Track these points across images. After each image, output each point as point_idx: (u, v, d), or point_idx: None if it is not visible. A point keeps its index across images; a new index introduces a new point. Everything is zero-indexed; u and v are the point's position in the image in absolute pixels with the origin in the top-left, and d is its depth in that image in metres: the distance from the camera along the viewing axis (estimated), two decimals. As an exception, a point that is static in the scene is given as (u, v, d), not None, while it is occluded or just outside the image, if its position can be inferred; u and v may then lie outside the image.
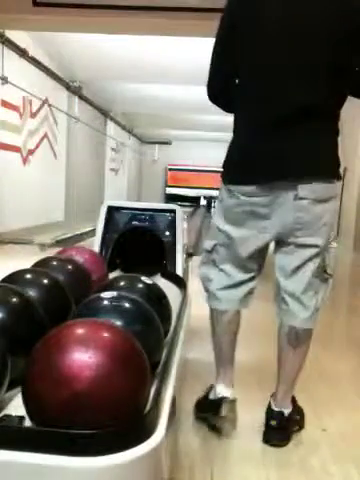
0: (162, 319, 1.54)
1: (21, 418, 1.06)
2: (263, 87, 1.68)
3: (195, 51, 6.71)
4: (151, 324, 1.45)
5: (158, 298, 1.72)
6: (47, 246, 6.45)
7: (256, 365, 2.39)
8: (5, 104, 7.61)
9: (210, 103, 1.90)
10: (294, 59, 1.63)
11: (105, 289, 1.63)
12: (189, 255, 3.21)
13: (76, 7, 4.98)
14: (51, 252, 3.02)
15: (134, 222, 2.88)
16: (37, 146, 9.16)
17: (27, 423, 1.05)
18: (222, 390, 1.82)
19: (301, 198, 1.64)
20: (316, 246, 1.68)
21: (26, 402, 1.05)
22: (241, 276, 1.81)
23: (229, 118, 1.84)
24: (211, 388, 1.90)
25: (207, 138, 17.97)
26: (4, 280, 1.63)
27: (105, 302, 1.43)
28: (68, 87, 10.61)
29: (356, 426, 1.97)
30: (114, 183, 16.22)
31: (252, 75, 1.71)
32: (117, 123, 15.51)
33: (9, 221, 7.68)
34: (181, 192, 21.57)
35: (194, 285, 2.63)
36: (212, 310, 1.90)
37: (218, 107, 1.90)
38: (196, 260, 3.33)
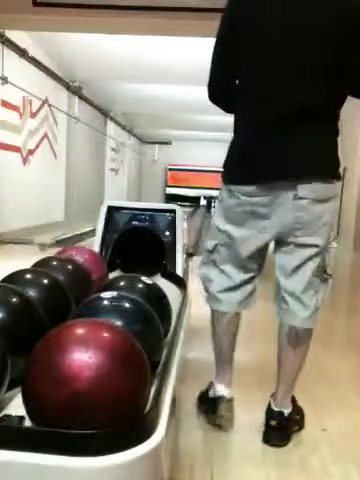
0: (162, 319, 1.54)
1: (21, 418, 1.06)
2: (263, 87, 1.68)
3: (195, 51, 6.72)
4: (151, 324, 1.45)
5: (158, 298, 1.72)
6: (47, 246, 6.45)
7: (256, 365, 2.39)
8: (5, 104, 7.61)
9: (210, 103, 1.90)
10: (294, 59, 1.63)
11: (105, 289, 1.63)
12: (189, 255, 3.21)
13: (76, 7, 4.98)
14: (51, 252, 3.02)
15: (134, 222, 2.87)
16: (37, 146, 9.16)
17: (27, 423, 1.05)
18: (220, 389, 1.85)
19: (301, 198, 1.64)
20: (316, 246, 1.68)
21: (26, 402, 1.05)
22: (241, 276, 1.82)
23: (229, 118, 1.84)
24: (211, 385, 1.91)
25: (207, 138, 17.98)
26: (4, 280, 1.63)
27: (105, 302, 1.43)
28: (68, 87, 10.61)
29: (356, 426, 1.97)
30: (114, 183, 16.22)
31: (252, 75, 1.71)
32: (117, 123, 15.51)
33: (9, 221, 7.68)
34: (181, 192, 21.57)
35: (194, 285, 2.63)
36: (213, 311, 1.92)
37: (219, 108, 1.90)
38: (196, 260, 3.33)
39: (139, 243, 2.84)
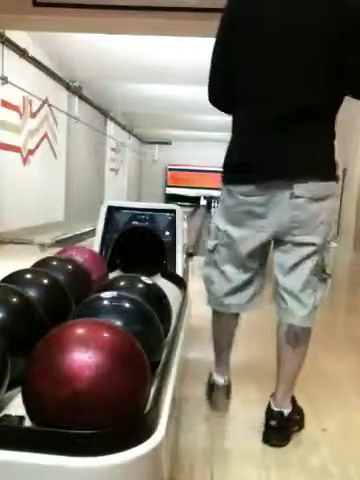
0: (162, 319, 1.54)
1: (21, 418, 1.06)
2: (262, 87, 1.69)
3: (195, 51, 6.72)
4: (151, 324, 1.45)
5: (158, 298, 1.72)
6: (47, 246, 6.45)
7: (256, 365, 2.40)
8: (5, 104, 7.61)
9: (210, 103, 1.91)
10: (293, 59, 1.64)
11: (105, 289, 1.63)
12: (189, 255, 3.21)
13: (76, 7, 4.98)
14: (51, 252, 3.02)
15: (134, 222, 2.87)
16: (37, 146, 9.16)
17: (27, 423, 1.05)
18: (216, 378, 2.01)
19: (297, 197, 1.65)
20: (313, 244, 1.69)
21: (26, 402, 1.05)
22: (241, 276, 1.83)
23: (229, 118, 1.84)
24: (210, 375, 2.05)
25: (207, 138, 17.98)
26: (4, 280, 1.63)
27: (105, 302, 1.43)
28: (68, 87, 10.62)
29: (356, 426, 1.97)
30: (114, 183, 16.22)
31: (251, 75, 1.71)
32: (117, 123, 15.51)
33: (9, 221, 7.68)
34: (181, 192, 21.58)
35: (194, 285, 2.64)
36: (213, 310, 1.96)
37: (219, 110, 1.90)
38: (196, 260, 3.33)
39: (139, 243, 2.84)
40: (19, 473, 0.93)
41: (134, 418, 1.02)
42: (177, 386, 1.42)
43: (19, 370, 1.10)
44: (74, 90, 10.87)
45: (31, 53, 8.07)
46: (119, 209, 2.90)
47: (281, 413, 1.75)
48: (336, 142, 1.71)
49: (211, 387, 2.01)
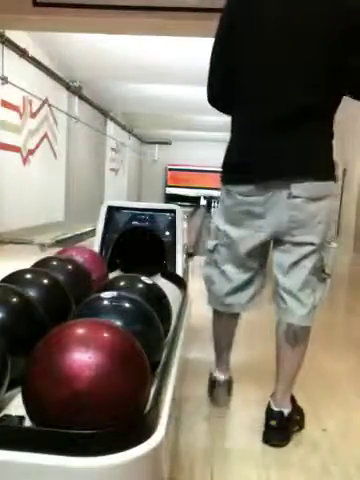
0: (162, 319, 1.54)
1: (21, 418, 1.05)
2: (262, 87, 1.69)
3: (195, 51, 6.71)
4: (151, 324, 1.45)
5: (158, 298, 1.72)
6: (47, 246, 6.45)
7: (256, 365, 2.40)
8: (5, 104, 7.61)
9: (210, 103, 1.91)
10: (293, 59, 1.64)
11: (105, 289, 1.63)
12: (189, 255, 3.21)
13: (76, 7, 4.98)
14: (51, 252, 3.02)
15: (134, 222, 2.87)
16: (37, 146, 9.16)
17: (27, 423, 1.05)
18: (217, 375, 2.03)
19: (295, 197, 1.65)
20: (312, 244, 1.69)
21: (26, 402, 1.05)
22: (241, 276, 1.83)
23: (229, 118, 1.85)
24: (211, 372, 2.08)
25: (207, 138, 17.98)
26: (4, 280, 1.63)
27: (105, 302, 1.43)
28: (68, 87, 10.62)
29: (356, 426, 1.97)
30: (114, 183, 16.22)
31: (251, 75, 1.71)
32: (117, 123, 15.51)
33: (9, 221, 7.68)
34: (181, 192, 21.58)
35: (194, 285, 2.64)
36: (214, 310, 1.97)
37: (218, 110, 1.91)
38: (196, 260, 3.34)
39: (139, 243, 2.84)
40: (19, 473, 0.93)
41: (134, 418, 1.02)
42: (177, 386, 1.42)
43: (19, 370, 1.09)
44: (74, 90, 10.87)
45: (31, 53, 8.07)
46: (119, 209, 2.89)
47: (281, 413, 1.75)
48: (335, 142, 1.71)
49: (212, 383, 2.04)
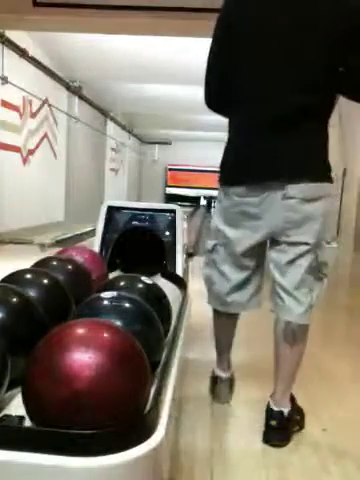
0: (162, 319, 1.54)
1: (21, 418, 1.05)
2: (259, 87, 1.70)
3: (195, 51, 6.71)
4: (151, 324, 1.45)
5: (158, 298, 1.72)
6: (47, 246, 6.45)
7: (256, 365, 2.40)
8: (5, 104, 7.61)
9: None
10: (290, 59, 1.65)
11: (105, 289, 1.63)
12: (189, 255, 3.21)
13: (76, 7, 4.98)
14: (51, 252, 3.02)
15: (134, 222, 2.87)
16: (37, 146, 9.16)
17: (27, 423, 1.05)
18: (218, 372, 2.05)
19: (289, 197, 1.66)
20: (306, 244, 1.70)
21: (26, 401, 1.05)
22: (239, 275, 1.85)
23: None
24: (213, 370, 2.08)
25: (207, 138, 17.98)
26: (4, 280, 1.63)
27: (105, 302, 1.43)
28: (68, 87, 10.62)
29: (356, 426, 1.97)
30: (114, 183, 16.22)
31: (248, 75, 1.72)
32: (117, 123, 15.51)
33: (9, 221, 7.68)
34: (181, 192, 21.58)
35: (194, 285, 2.64)
36: (214, 310, 1.98)
37: (214, 111, 1.91)
38: (196, 260, 3.34)
39: (139, 243, 2.84)
40: (19, 473, 0.92)
41: (134, 418, 1.02)
42: (177, 386, 1.42)
43: (19, 370, 1.09)
44: (74, 90, 10.87)
45: (31, 53, 8.08)
46: (119, 209, 2.90)
47: (281, 413, 1.75)
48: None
49: (214, 380, 2.06)
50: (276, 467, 1.63)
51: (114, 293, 1.50)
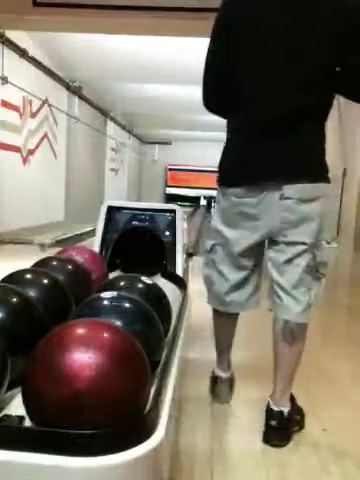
0: (162, 319, 1.54)
1: (21, 418, 1.05)
2: (257, 87, 1.70)
3: (195, 51, 6.71)
4: (151, 324, 1.45)
5: (158, 298, 1.73)
6: (47, 246, 6.45)
7: (256, 365, 2.40)
8: (5, 104, 7.61)
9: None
10: (289, 60, 1.65)
11: (105, 289, 1.63)
12: (189, 255, 3.21)
13: (76, 7, 4.98)
14: (51, 252, 3.02)
15: (134, 222, 2.87)
16: (37, 146, 9.16)
17: (27, 423, 1.05)
18: (218, 372, 2.04)
19: (286, 198, 1.67)
20: (303, 244, 1.71)
21: (26, 401, 1.05)
22: (237, 275, 1.86)
23: (229, 118, 1.85)
24: (213, 369, 2.08)
25: (207, 138, 17.97)
26: (4, 280, 1.63)
27: (105, 302, 1.43)
28: (68, 87, 10.62)
29: (356, 426, 1.97)
30: (114, 183, 16.22)
31: (246, 75, 1.72)
32: (117, 123, 15.51)
33: (9, 221, 7.68)
34: (181, 192, 21.58)
35: (194, 285, 2.64)
36: (213, 309, 1.98)
37: (211, 111, 1.91)
38: (196, 260, 3.33)
39: (139, 243, 2.84)
40: (19, 473, 0.92)
41: (134, 418, 1.02)
42: (177, 386, 1.42)
43: (19, 370, 1.10)
44: (74, 90, 10.87)
45: (31, 53, 8.08)
46: (119, 209, 2.90)
47: (281, 412, 1.75)
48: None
49: (214, 380, 2.06)
50: (276, 467, 1.63)
51: (114, 293, 1.50)
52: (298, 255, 1.71)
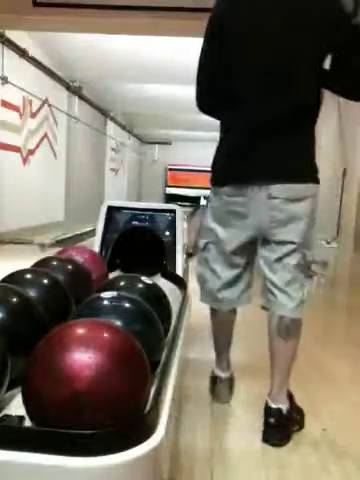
0: (162, 319, 1.54)
1: (21, 418, 1.05)
2: (250, 88, 1.72)
3: (195, 51, 6.71)
4: (151, 324, 1.45)
5: (158, 298, 1.73)
6: (47, 246, 6.45)
7: (256, 365, 2.39)
8: (5, 104, 7.61)
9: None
10: (283, 60, 1.66)
11: (105, 289, 1.63)
12: (189, 255, 3.21)
13: (76, 7, 4.98)
14: (51, 252, 3.02)
15: (134, 222, 2.88)
16: (37, 146, 9.16)
17: (27, 423, 1.05)
18: (218, 372, 2.05)
19: (274, 197, 1.69)
20: (292, 243, 1.73)
21: (26, 401, 1.05)
22: (230, 273, 1.88)
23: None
24: (212, 369, 2.09)
25: (207, 138, 17.93)
26: (4, 280, 1.63)
27: (105, 302, 1.43)
28: (68, 87, 10.62)
29: (356, 426, 1.97)
30: (114, 183, 16.22)
31: (239, 76, 1.74)
32: (117, 123, 15.51)
33: (9, 221, 7.68)
34: (181, 192, 21.56)
35: (194, 285, 2.64)
36: (210, 308, 2.01)
37: (204, 112, 1.93)
38: (196, 260, 3.33)
39: (139, 243, 2.84)
40: (19, 473, 0.92)
41: (134, 418, 1.02)
42: (177, 386, 1.42)
43: (19, 370, 1.09)
44: (74, 90, 10.87)
45: (31, 53, 8.08)
46: (119, 209, 2.90)
47: (279, 410, 1.75)
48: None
49: (214, 380, 2.06)
50: (276, 467, 1.63)
51: (114, 293, 1.50)
52: (288, 254, 1.73)
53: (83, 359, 1.01)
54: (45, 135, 9.59)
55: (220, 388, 2.04)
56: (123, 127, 16.59)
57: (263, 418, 1.77)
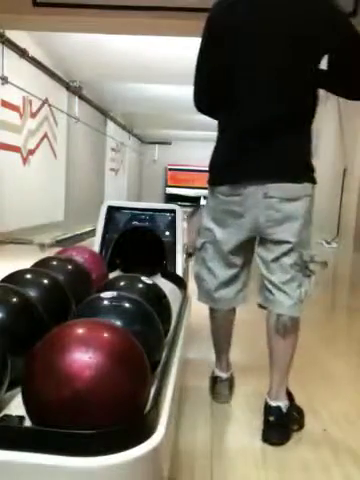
0: (162, 319, 1.54)
1: (21, 418, 1.05)
2: (246, 89, 1.73)
3: (195, 51, 6.71)
4: (151, 324, 1.45)
5: (158, 298, 1.73)
6: (47, 246, 6.45)
7: (256, 364, 2.39)
8: (5, 104, 7.61)
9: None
10: (273, 63, 1.68)
11: (105, 289, 1.63)
12: (189, 255, 3.21)
13: (76, 7, 4.98)
14: (51, 252, 3.02)
15: (134, 222, 2.88)
16: (37, 146, 9.16)
17: (27, 423, 1.05)
18: (218, 372, 2.06)
19: (270, 197, 1.70)
20: (288, 242, 1.73)
21: (26, 401, 1.05)
22: (227, 272, 1.89)
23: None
24: (212, 369, 2.10)
25: (207, 138, 17.90)
26: (4, 280, 1.63)
27: (105, 302, 1.43)
28: (68, 87, 10.61)
29: (356, 426, 1.97)
30: (114, 183, 16.22)
31: (235, 77, 1.74)
32: (117, 123, 15.51)
33: (9, 221, 7.68)
34: (181, 192, 21.55)
35: (194, 285, 2.64)
36: (210, 309, 2.02)
37: (202, 113, 1.94)
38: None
39: (139, 243, 2.84)
40: (19, 473, 0.92)
41: (134, 418, 1.02)
42: (177, 386, 1.42)
43: (19, 370, 1.09)
44: (74, 90, 10.86)
45: (31, 53, 8.07)
46: (119, 209, 2.90)
47: (279, 408, 1.75)
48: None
49: (214, 380, 2.07)
50: (276, 467, 1.63)
51: (114, 293, 1.50)
52: (284, 254, 1.74)
53: (83, 359, 1.01)
54: (45, 135, 9.59)
55: (220, 388, 2.05)
56: (123, 127, 16.59)
57: (263, 417, 1.77)
